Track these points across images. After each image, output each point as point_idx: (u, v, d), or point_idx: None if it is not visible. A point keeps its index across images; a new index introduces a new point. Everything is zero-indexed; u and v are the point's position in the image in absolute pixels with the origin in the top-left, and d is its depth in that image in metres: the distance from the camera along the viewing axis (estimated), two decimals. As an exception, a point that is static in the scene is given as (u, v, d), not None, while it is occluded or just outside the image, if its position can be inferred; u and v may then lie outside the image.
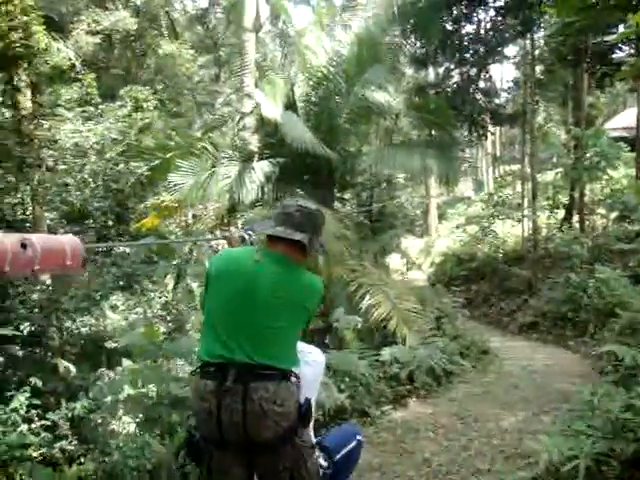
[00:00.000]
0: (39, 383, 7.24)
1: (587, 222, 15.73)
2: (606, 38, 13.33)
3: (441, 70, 19.33)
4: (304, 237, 2.63)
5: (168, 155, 10.83)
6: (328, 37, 12.31)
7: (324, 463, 2.75)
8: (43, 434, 6.64)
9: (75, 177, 11.67)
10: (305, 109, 11.53)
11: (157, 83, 17.78)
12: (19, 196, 10.78)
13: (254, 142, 12.17)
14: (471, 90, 17.98)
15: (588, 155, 13.96)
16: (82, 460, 6.47)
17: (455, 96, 17.19)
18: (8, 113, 10.81)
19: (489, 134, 21.15)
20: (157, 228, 11.03)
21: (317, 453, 2.70)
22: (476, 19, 17.35)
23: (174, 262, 11.87)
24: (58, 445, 6.63)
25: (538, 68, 18.41)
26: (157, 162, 10.96)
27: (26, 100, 10.85)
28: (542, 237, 16.28)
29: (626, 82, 17.07)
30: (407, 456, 5.92)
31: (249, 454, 2.47)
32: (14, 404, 6.73)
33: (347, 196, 14.73)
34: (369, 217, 15.23)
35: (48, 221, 11.45)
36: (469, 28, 17.69)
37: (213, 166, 10.63)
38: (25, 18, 9.46)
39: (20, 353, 8.52)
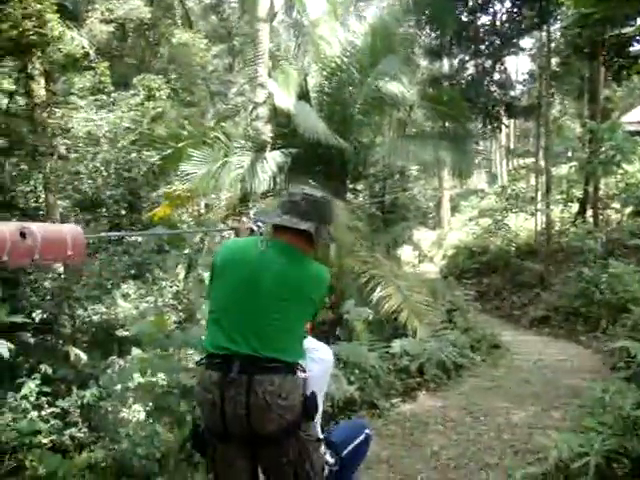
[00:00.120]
0: (49, 370, 7.27)
1: (601, 216, 15.60)
2: (623, 30, 13.18)
3: (456, 61, 19.21)
4: (310, 226, 2.56)
5: (180, 144, 10.83)
6: (342, 27, 12.25)
7: (331, 460, 2.71)
8: (53, 421, 6.69)
9: (87, 165, 11.69)
10: (318, 99, 11.49)
11: (170, 72, 17.73)
12: (32, 184, 10.81)
13: (267, 132, 12.13)
14: (486, 82, 17.88)
15: (603, 149, 13.81)
16: (92, 448, 6.51)
17: (469, 88, 17.09)
18: (22, 101, 10.83)
19: (503, 127, 21.04)
20: (169, 217, 11.03)
21: (323, 448, 2.68)
22: (492, 10, 17.25)
23: (185, 252, 11.90)
24: (68, 432, 6.66)
25: (554, 60, 18.22)
26: (169, 151, 10.96)
27: (40, 88, 10.87)
28: (555, 231, 16.19)
29: (643, 75, 16.92)
30: (416, 449, 5.90)
31: (253, 447, 2.44)
32: (24, 391, 6.78)
33: (359, 187, 14.67)
34: (381, 209, 15.15)
35: (61, 209, 11.49)
36: (485, 19, 17.63)
37: (225, 156, 10.61)
38: (39, 6, 9.45)
39: (32, 340, 8.56)
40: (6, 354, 4.67)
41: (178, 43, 18.05)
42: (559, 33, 18.17)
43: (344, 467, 2.82)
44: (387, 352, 8.41)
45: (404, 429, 6.53)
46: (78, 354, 8.55)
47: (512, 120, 25.37)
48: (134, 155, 12.07)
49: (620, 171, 14.39)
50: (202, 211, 13.99)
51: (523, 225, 18.81)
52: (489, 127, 18.06)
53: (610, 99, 20.39)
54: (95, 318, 10.06)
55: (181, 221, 13.17)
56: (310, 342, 2.86)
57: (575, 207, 16.86)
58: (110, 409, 6.87)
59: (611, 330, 10.08)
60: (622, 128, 14.44)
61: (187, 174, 10.15)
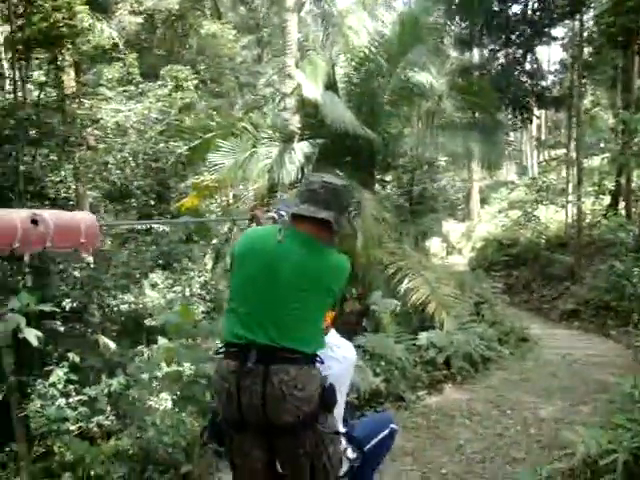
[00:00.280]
0: (77, 359, 7.36)
1: (634, 209, 15.35)
2: (659, 18, 12.93)
3: (486, 51, 19.01)
4: (329, 215, 2.50)
5: (209, 135, 10.85)
6: (370, 17, 12.17)
7: (352, 455, 2.68)
8: (81, 409, 6.77)
9: (115, 156, 11.78)
10: (346, 90, 11.42)
11: (199, 63, 17.79)
12: (62, 174, 10.92)
13: (295, 123, 12.12)
14: (516, 72, 17.65)
15: (637, 140, 13.54)
16: (119, 435, 6.58)
17: (500, 78, 16.87)
18: (52, 92, 10.93)
19: (534, 117, 20.75)
20: (197, 208, 11.07)
21: (344, 443, 2.65)
22: (523, -1, 16.97)
23: (213, 242, 11.95)
24: (95, 420, 6.74)
25: (586, 49, 17.92)
26: (198, 142, 10.99)
27: (69, 80, 10.97)
28: (586, 223, 15.96)
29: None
30: (441, 442, 5.88)
31: (269, 437, 2.42)
32: (52, 379, 6.87)
33: (388, 178, 14.60)
34: (409, 200, 15.07)
35: (90, 199, 11.60)
36: (516, 8, 17.38)
37: (254, 146, 10.61)
38: (69, -2, 9.52)
39: (62, 329, 8.65)
40: (35, 342, 4.72)
41: (207, 34, 18.08)
42: (592, 22, 17.84)
43: (366, 462, 2.79)
44: (414, 344, 8.40)
45: (429, 422, 6.50)
46: (107, 343, 8.62)
47: (543, 111, 25.06)
48: (162, 145, 12.14)
49: (654, 163, 14.13)
50: (230, 202, 14.01)
51: (553, 217, 18.59)
52: (519, 118, 17.83)
53: (644, 89, 20.00)
54: (123, 307, 10.15)
55: (209, 211, 13.23)
56: (332, 337, 2.82)
57: (607, 199, 16.60)
58: (137, 397, 6.94)
59: (642, 325, 9.92)
60: (656, 119, 14.16)
61: (215, 165, 10.18)
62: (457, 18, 17.06)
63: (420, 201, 15.52)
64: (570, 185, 16.82)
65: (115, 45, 11.91)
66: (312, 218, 2.51)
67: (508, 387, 7.79)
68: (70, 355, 7.29)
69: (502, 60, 18.09)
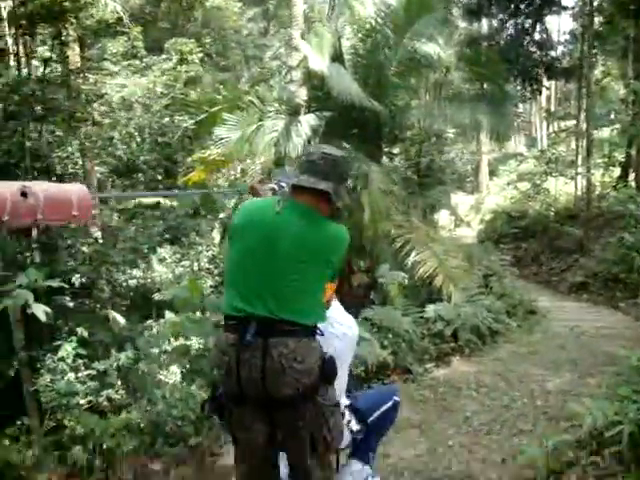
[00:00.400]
0: (85, 333, 7.41)
1: (644, 180, 15.21)
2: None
3: (495, 21, 18.76)
4: (329, 186, 2.50)
5: (215, 109, 10.79)
6: (377, -13, 11.98)
7: (356, 427, 2.69)
8: (90, 383, 6.83)
9: (121, 131, 11.74)
10: (353, 62, 11.30)
11: (204, 36, 17.66)
12: (69, 150, 10.90)
13: (301, 95, 12.04)
14: (525, 42, 17.44)
15: (647, 111, 13.44)
16: (128, 409, 6.65)
17: (509, 49, 16.69)
18: (57, 68, 10.86)
19: (543, 89, 20.53)
20: (204, 182, 11.05)
21: (347, 415, 2.65)
22: (533, -34, 16.72)
23: (220, 216, 11.94)
24: (105, 394, 6.80)
25: (597, 19, 17.60)
26: (204, 116, 10.94)
27: (74, 55, 10.90)
28: (596, 195, 15.85)
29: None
30: (448, 414, 5.90)
31: (269, 410, 2.42)
32: (61, 353, 6.92)
33: (395, 151, 14.50)
34: (417, 172, 14.98)
35: (98, 174, 11.59)
36: (525, -24, 17.07)
37: (260, 120, 10.55)
38: (72, -28, 9.43)
39: (71, 304, 8.69)
40: (43, 317, 4.74)
41: (212, 7, 17.95)
42: (603, -10, 17.57)
43: (370, 434, 2.80)
44: (421, 317, 8.40)
45: (437, 394, 6.53)
46: (116, 318, 8.67)
47: (552, 82, 24.79)
48: (167, 120, 12.09)
49: (665, 134, 13.98)
50: (238, 175, 13.98)
51: (563, 189, 18.46)
52: (529, 89, 17.66)
53: (656, 59, 19.73)
54: (132, 282, 10.19)
55: (217, 185, 13.21)
56: (335, 312, 2.80)
57: (617, 171, 16.48)
58: (147, 371, 7.01)
59: (651, 297, 9.90)
60: (668, 89, 14.00)
61: (221, 138, 10.14)
62: (465, -13, 16.87)
63: (428, 174, 15.41)
64: (579, 157, 16.66)
65: (119, 19, 11.80)
66: (311, 189, 2.50)
67: (516, 360, 7.79)
68: (79, 330, 7.34)
69: (511, 30, 17.88)
